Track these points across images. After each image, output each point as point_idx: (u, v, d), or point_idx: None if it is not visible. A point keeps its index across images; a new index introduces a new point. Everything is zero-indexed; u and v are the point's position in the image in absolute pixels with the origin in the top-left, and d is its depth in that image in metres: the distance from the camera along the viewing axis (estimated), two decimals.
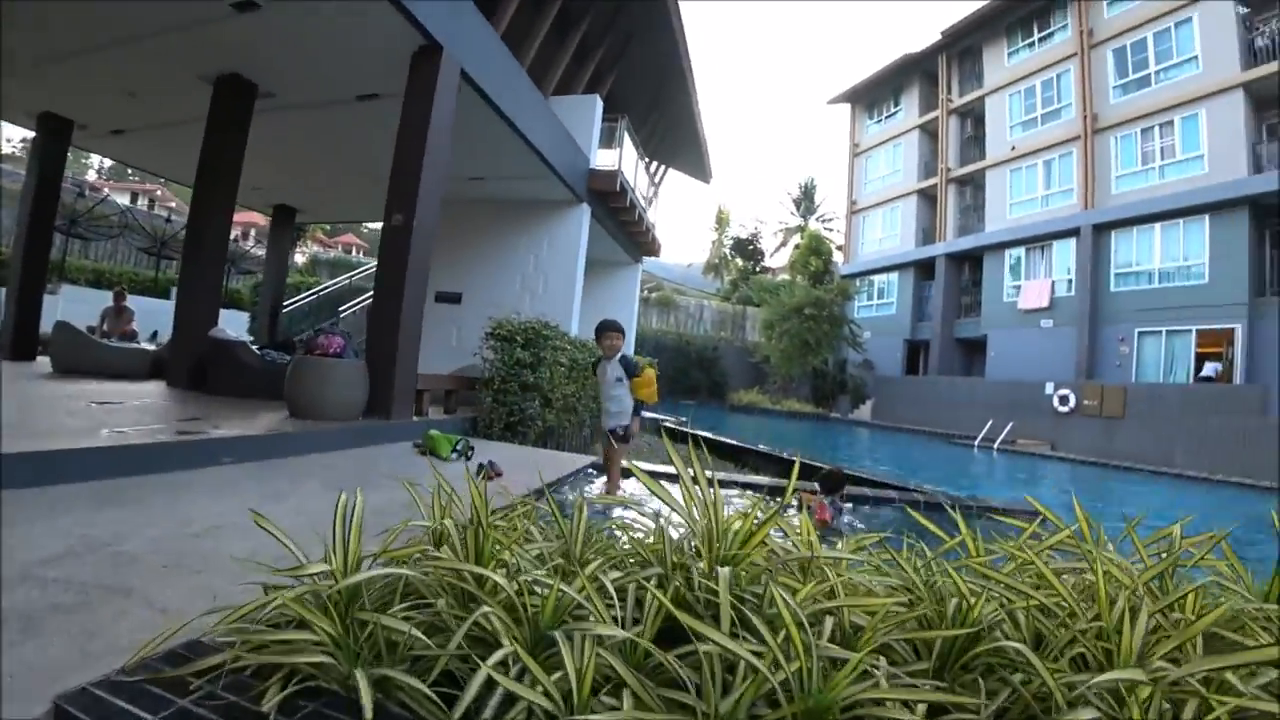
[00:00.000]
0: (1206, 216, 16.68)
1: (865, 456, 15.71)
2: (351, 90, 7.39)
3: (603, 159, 10.89)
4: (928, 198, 26.46)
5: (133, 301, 10.89)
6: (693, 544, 1.84)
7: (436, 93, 6.08)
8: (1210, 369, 16.48)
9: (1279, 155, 15.95)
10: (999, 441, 17.28)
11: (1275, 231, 16.25)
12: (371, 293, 7.63)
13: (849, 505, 5.09)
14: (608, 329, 4.92)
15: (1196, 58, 17.31)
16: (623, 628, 1.49)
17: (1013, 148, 22.09)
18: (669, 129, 16.54)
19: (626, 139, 11.16)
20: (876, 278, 28.25)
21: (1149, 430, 15.71)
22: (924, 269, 25.81)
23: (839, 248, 35.84)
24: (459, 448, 5.34)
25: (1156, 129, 17.99)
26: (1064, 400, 17.88)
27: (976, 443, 17.16)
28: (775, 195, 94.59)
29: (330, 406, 5.55)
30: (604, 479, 5.24)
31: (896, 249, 27.14)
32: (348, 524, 1.75)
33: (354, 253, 41.93)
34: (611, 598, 1.56)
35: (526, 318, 7.69)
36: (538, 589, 1.61)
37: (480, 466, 4.77)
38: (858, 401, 25.97)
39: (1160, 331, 17.63)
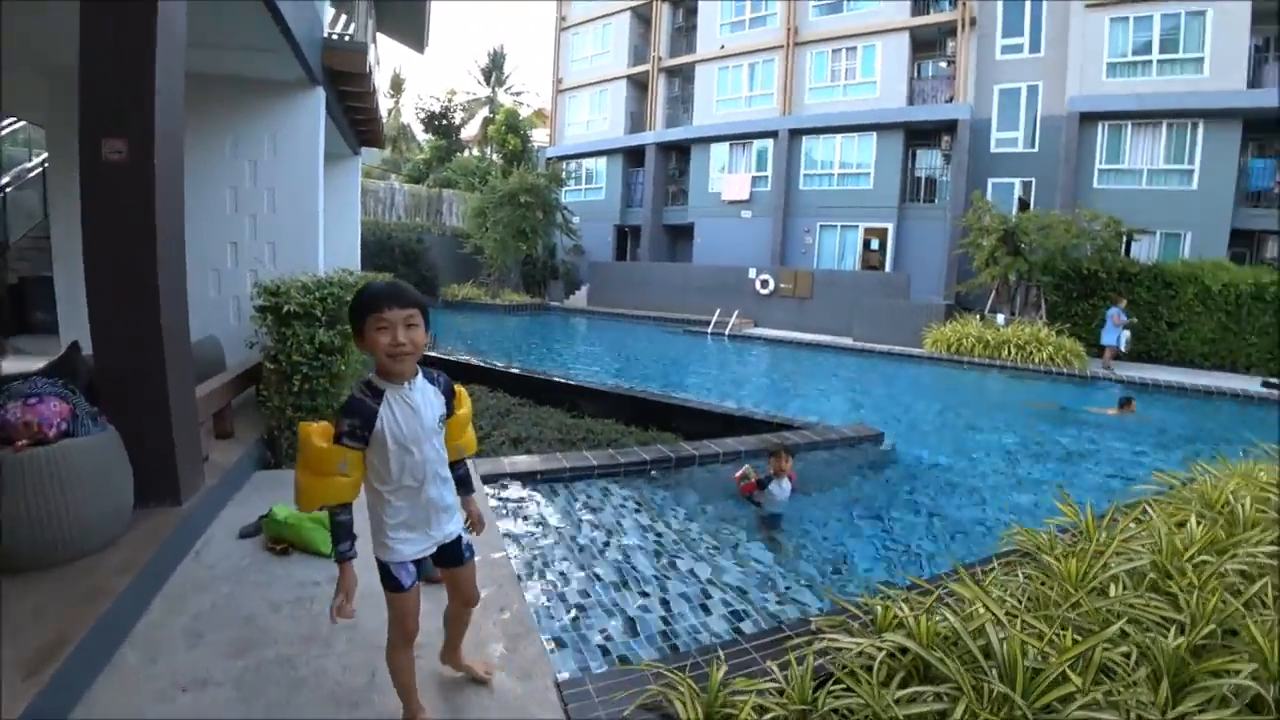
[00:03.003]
0: (875, 134, 20.31)
1: (594, 347, 16.41)
2: None
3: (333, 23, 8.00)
4: (638, 84, 26.96)
5: None
6: None
7: None
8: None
9: (926, 92, 20.07)
10: (729, 329, 19.05)
11: (914, 151, 20.60)
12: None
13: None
14: (392, 301, 1.92)
15: None
16: None
17: (722, 46, 23.56)
18: None
19: None
20: (585, 162, 28.31)
21: (831, 308, 19.16)
22: (633, 156, 26.64)
23: (534, 128, 34.83)
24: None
25: (844, 52, 20.95)
26: (764, 284, 20.67)
27: (710, 330, 18.85)
28: (462, 63, 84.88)
29: (67, 536, 2.73)
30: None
31: (606, 134, 27.38)
32: None
33: None
34: None
35: (315, 276, 5.50)
36: None
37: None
38: (571, 288, 26.41)
39: (836, 226, 21.34)
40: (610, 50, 27.35)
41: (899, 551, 4.68)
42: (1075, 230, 15.31)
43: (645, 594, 3.55)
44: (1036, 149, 18.87)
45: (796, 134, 21.69)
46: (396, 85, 39.32)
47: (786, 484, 4.95)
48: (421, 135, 39.51)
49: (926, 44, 20.37)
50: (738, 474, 5.13)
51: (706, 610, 3.43)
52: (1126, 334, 14.19)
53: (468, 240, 24.60)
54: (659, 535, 4.36)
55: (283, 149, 6.97)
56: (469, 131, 39.36)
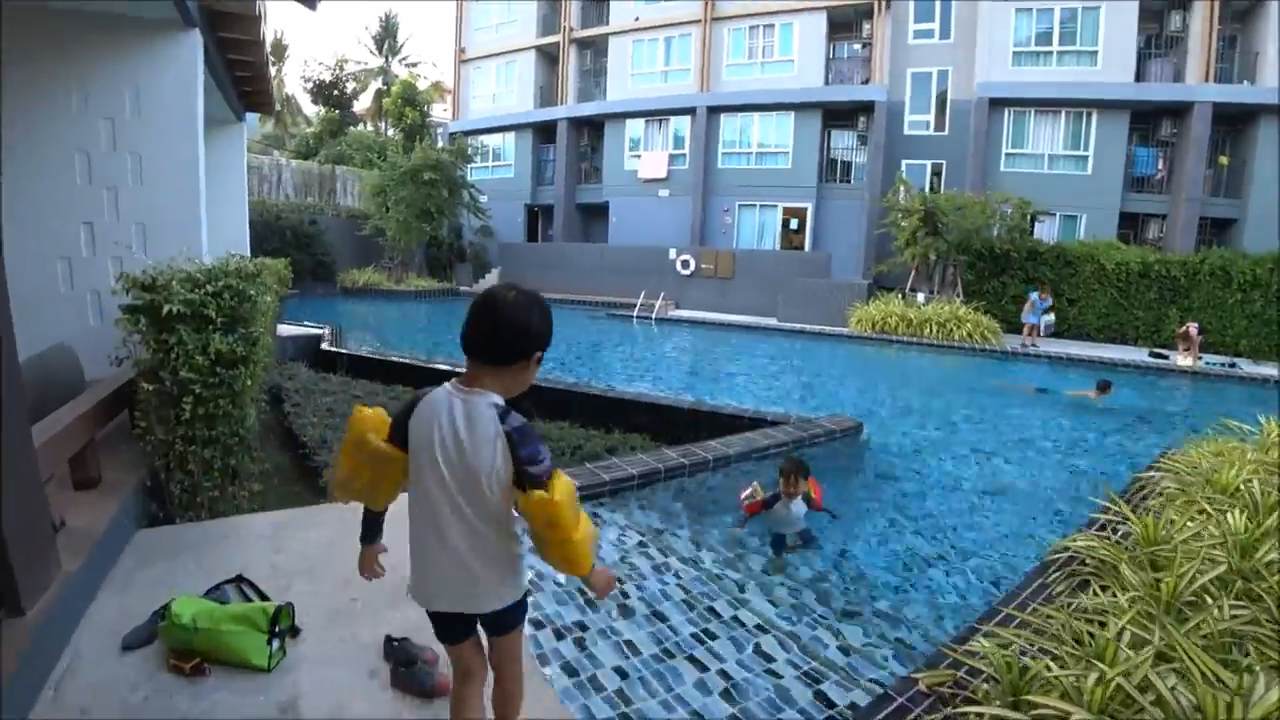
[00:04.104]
0: (793, 113, 20.23)
1: None
2: None
3: None
4: (548, 56, 25.76)
5: None
6: None
7: None
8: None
9: (843, 73, 20.23)
10: (655, 312, 18.40)
11: (830, 131, 20.73)
12: None
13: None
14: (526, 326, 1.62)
15: None
16: None
17: (637, 19, 22.81)
18: None
19: None
20: (492, 138, 26.84)
21: (754, 288, 19.00)
22: (544, 132, 25.46)
23: (434, 103, 32.83)
24: (279, 628, 2.41)
25: (761, 29, 20.73)
26: (685, 264, 20.25)
27: (635, 314, 18.16)
28: (351, 30, 77.74)
29: None
30: None
31: (514, 108, 26.00)
32: None
33: None
34: None
35: (202, 264, 4.18)
36: None
37: (394, 648, 2.42)
38: (480, 272, 25.01)
39: (756, 205, 21.20)
40: (518, 19, 25.94)
41: (920, 567, 4.27)
42: (988, 211, 15.83)
43: (696, 662, 2.81)
44: (947, 132, 19.43)
45: (715, 111, 21.31)
46: (278, 51, 35.87)
47: (800, 505, 4.30)
48: (310, 107, 36.40)
49: (843, 25, 20.49)
50: (743, 494, 4.46)
51: (775, 674, 2.76)
52: (1049, 318, 14.83)
53: (367, 221, 22.52)
54: (678, 575, 3.62)
55: (149, 106, 5.46)
56: (361, 105, 36.65)
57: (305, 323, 11.96)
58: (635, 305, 18.53)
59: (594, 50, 24.95)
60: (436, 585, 1.68)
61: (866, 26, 20.14)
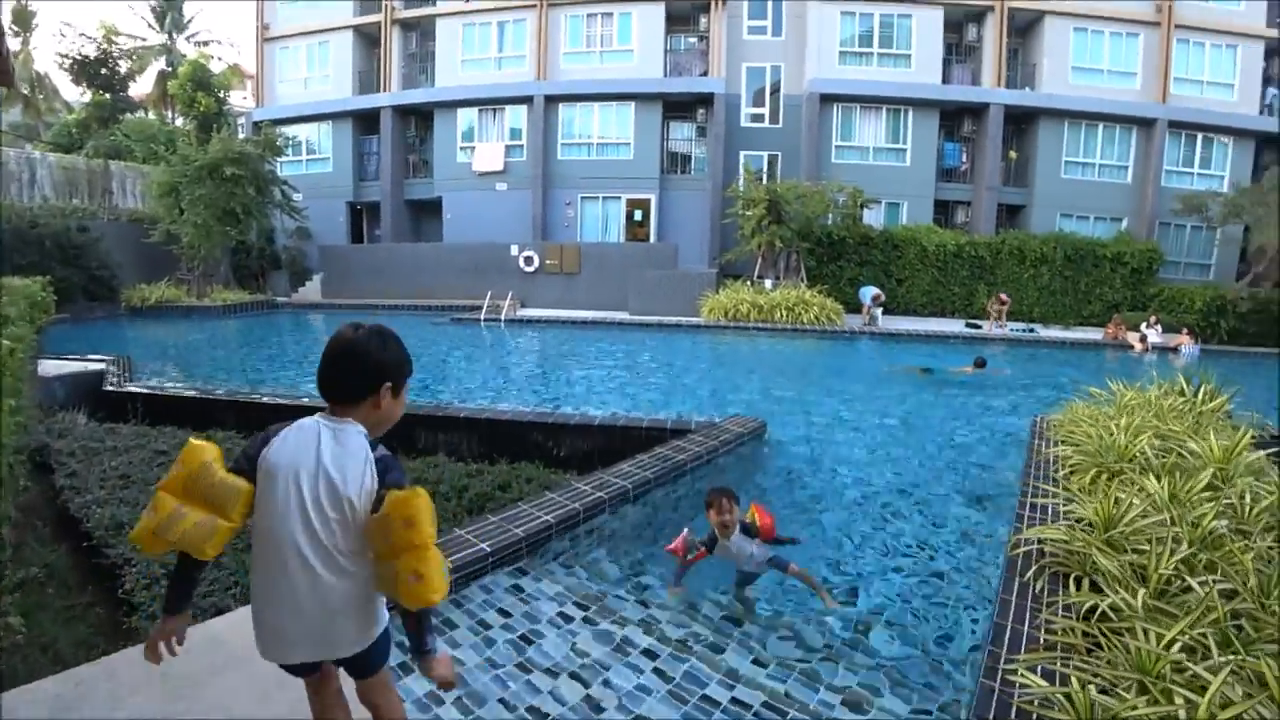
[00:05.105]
0: (633, 104, 19.94)
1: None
2: None
3: None
4: (367, 37, 23.49)
5: None
6: None
7: None
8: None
9: (682, 65, 20.35)
10: (504, 314, 16.89)
11: (669, 123, 20.72)
12: None
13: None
14: None
15: None
16: None
17: (467, 0, 21.43)
18: None
19: None
20: (304, 128, 24.00)
21: (602, 283, 18.40)
22: (365, 122, 23.21)
23: (231, 88, 29.05)
24: None
25: (599, 17, 20.21)
26: (529, 260, 19.24)
27: (483, 317, 16.74)
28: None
29: None
30: None
31: (329, 95, 23.43)
32: None
33: None
34: None
35: None
36: None
37: None
38: (299, 280, 22.27)
39: (599, 197, 20.65)
40: None
41: (877, 576, 3.98)
42: (826, 200, 16.50)
43: None
44: (782, 125, 20.13)
45: (553, 101, 20.48)
46: (22, 19, 29.93)
47: (742, 538, 3.58)
48: (70, 90, 30.82)
49: (681, 18, 20.53)
50: (674, 545, 3.61)
51: None
52: (878, 311, 15.81)
53: (156, 226, 18.79)
54: (649, 654, 2.77)
55: None
56: (141, 89, 31.65)
57: (79, 356, 8.66)
58: (480, 307, 17.01)
59: (420, 33, 23.12)
60: (292, 631, 1.57)
61: (703, 20, 20.32)
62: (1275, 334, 15.65)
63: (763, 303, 15.29)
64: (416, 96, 22.08)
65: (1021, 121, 19.84)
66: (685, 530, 3.66)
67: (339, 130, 23.38)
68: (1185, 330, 15.21)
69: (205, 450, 1.58)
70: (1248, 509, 3.41)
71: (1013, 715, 2.14)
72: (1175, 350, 14.35)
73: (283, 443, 1.55)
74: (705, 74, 20.02)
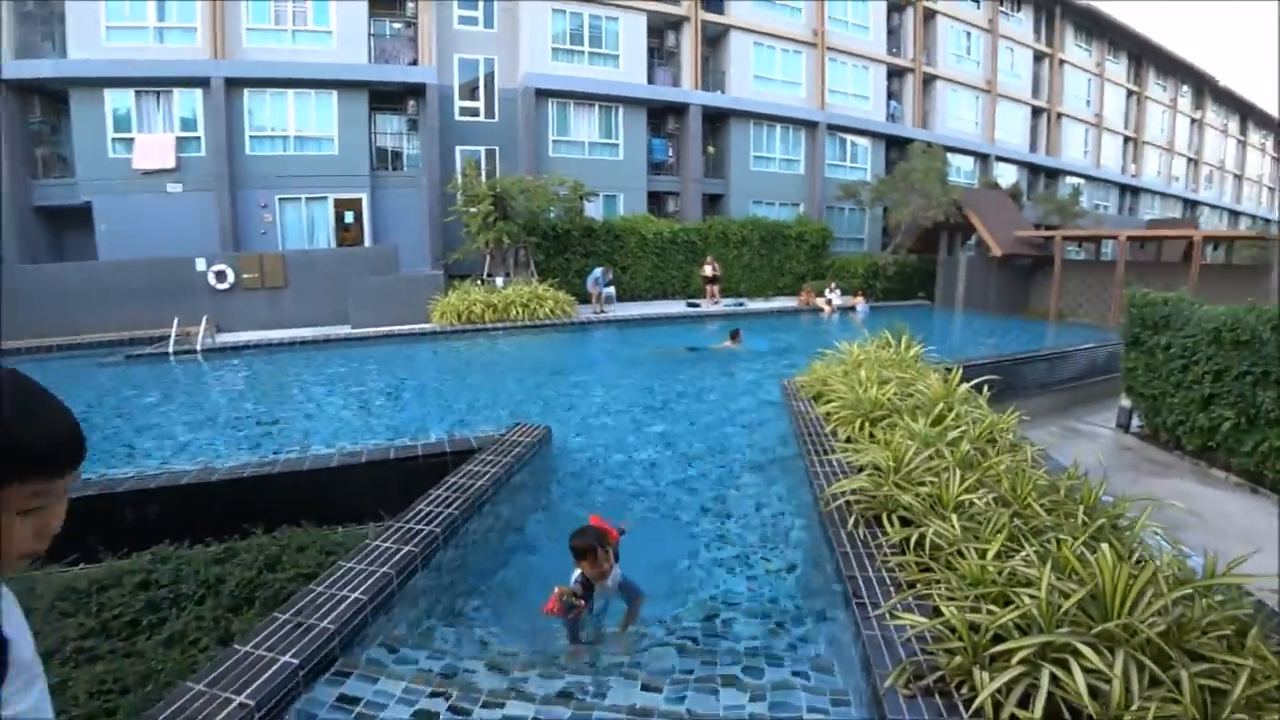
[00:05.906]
0: (336, 92, 18.09)
1: None
2: None
3: None
4: None
5: None
6: None
7: None
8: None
9: (389, 52, 19.06)
10: (200, 342, 13.61)
11: (376, 115, 19.28)
12: None
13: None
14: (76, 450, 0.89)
15: None
16: None
17: None
18: None
19: None
20: None
21: (315, 295, 16.11)
22: None
23: None
24: None
25: None
26: (221, 276, 15.96)
27: (171, 349, 13.49)
28: None
29: None
30: None
31: None
32: None
33: None
34: None
35: None
36: None
37: None
38: None
39: (301, 198, 18.47)
40: None
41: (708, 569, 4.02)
42: (550, 194, 16.66)
43: None
44: (498, 119, 19.87)
45: (237, 85, 17.71)
46: None
47: (617, 570, 3.34)
48: None
49: (385, 1, 19.10)
50: (550, 606, 3.18)
51: None
52: (610, 290, 16.49)
53: None
54: None
55: None
56: None
57: None
58: (165, 338, 13.80)
59: None
60: None
61: (410, 6, 19.13)
62: (912, 289, 20.93)
63: (496, 301, 14.95)
64: (41, 69, 17.52)
65: (717, 121, 22.25)
66: (556, 589, 3.23)
67: None
68: (858, 292, 18.97)
69: None
70: (974, 430, 4.40)
71: (902, 655, 2.34)
72: (854, 309, 18.02)
73: None
74: (415, 63, 18.94)
